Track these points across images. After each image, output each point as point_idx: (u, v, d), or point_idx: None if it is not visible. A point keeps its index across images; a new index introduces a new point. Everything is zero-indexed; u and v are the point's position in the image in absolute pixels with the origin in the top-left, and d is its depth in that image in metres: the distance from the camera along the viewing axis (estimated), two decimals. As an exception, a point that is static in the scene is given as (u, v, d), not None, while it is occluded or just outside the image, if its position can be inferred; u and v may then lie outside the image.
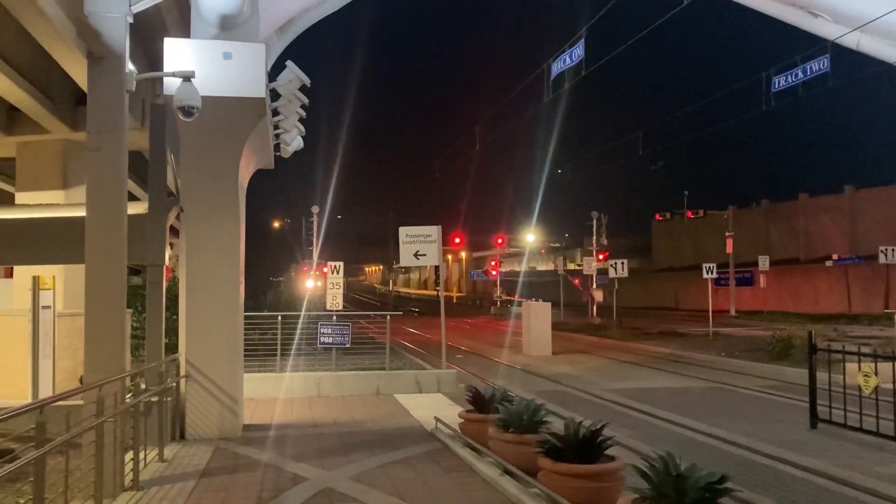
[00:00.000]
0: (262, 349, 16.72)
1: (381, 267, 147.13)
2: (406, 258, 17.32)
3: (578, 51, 15.66)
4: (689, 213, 60.77)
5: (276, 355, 16.11)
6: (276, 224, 71.04)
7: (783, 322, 34.10)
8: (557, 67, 16.33)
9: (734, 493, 5.71)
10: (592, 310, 40.99)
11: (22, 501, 6.53)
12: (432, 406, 13.58)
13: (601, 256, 41.85)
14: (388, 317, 18.35)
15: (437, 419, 11.30)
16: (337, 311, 23.49)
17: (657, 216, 70.76)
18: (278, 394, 15.05)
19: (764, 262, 44.98)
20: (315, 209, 38.29)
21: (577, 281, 50.63)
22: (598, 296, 41.21)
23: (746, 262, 49.81)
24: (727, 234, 49.92)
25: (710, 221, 59.68)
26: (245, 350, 12.09)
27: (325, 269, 31.08)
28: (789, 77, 16.09)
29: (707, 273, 30.87)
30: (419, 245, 17.09)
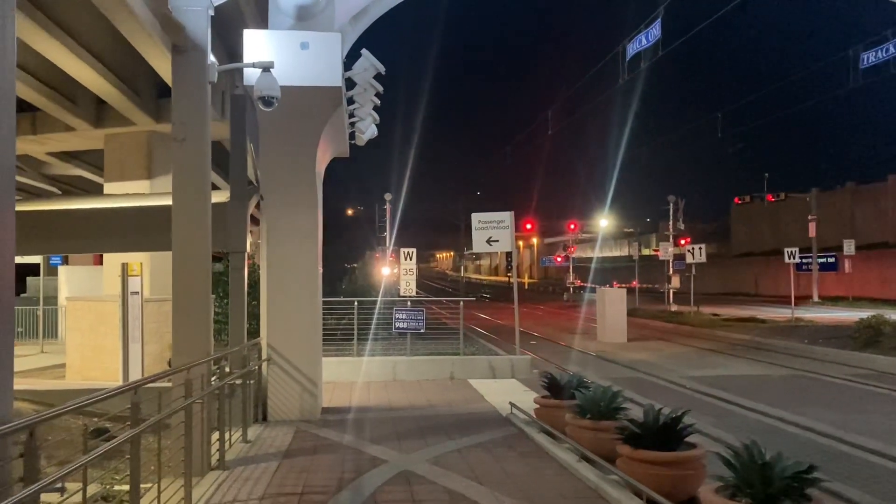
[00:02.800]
0: (338, 334, 17.02)
1: (451, 253, 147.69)
2: (479, 244, 17.33)
3: (655, 31, 15.30)
4: (770, 197, 58.85)
5: (352, 340, 16.38)
6: (351, 211, 72.13)
7: (870, 308, 32.73)
8: (633, 48, 16.01)
9: (822, 484, 5.54)
10: (669, 296, 40.15)
11: (118, 477, 6.85)
12: (507, 391, 13.59)
13: (683, 241, 40.86)
14: (462, 303, 18.45)
15: (512, 404, 11.32)
16: (410, 297, 23.74)
17: (736, 200, 68.82)
18: (355, 378, 15.32)
19: (849, 247, 43.25)
20: (388, 196, 38.65)
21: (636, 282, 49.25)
22: (675, 282, 40.34)
23: (830, 247, 47.96)
24: (810, 217, 48.14)
25: (792, 204, 57.64)
26: (323, 335, 12.32)
27: (399, 256, 31.37)
28: (879, 52, 15.39)
29: (789, 258, 29.89)
30: (492, 231, 17.06)
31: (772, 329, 27.86)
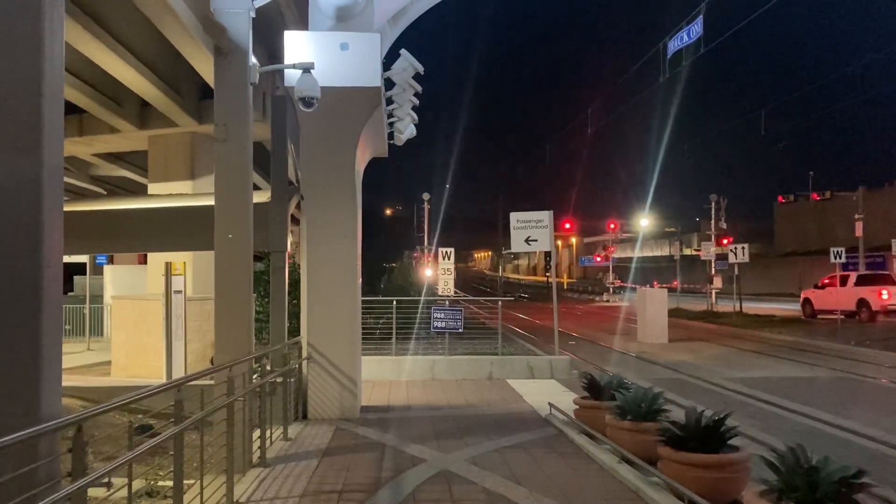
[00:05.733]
0: (377, 333, 17.10)
1: (489, 253, 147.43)
2: (517, 244, 17.27)
3: (697, 27, 15.06)
4: (815, 195, 57.71)
5: (391, 339, 16.45)
6: (389, 211, 72.54)
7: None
8: (675, 45, 15.77)
9: (871, 489, 5.40)
10: (712, 296, 39.61)
11: (162, 473, 6.97)
12: (546, 392, 13.52)
13: (725, 241, 40.22)
14: (500, 302, 18.43)
15: (551, 405, 11.25)
16: (448, 296, 23.77)
17: (780, 198, 67.66)
18: (394, 376, 15.38)
19: (899, 246, 42.17)
20: (426, 196, 38.79)
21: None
22: (717, 282, 39.78)
23: (878, 247, 46.81)
24: (856, 216, 47.07)
25: (838, 203, 56.39)
26: (362, 334, 12.38)
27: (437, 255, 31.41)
28: (930, 47, 14.93)
29: (834, 258, 29.25)
30: (530, 230, 16.99)
31: (817, 330, 27.30)
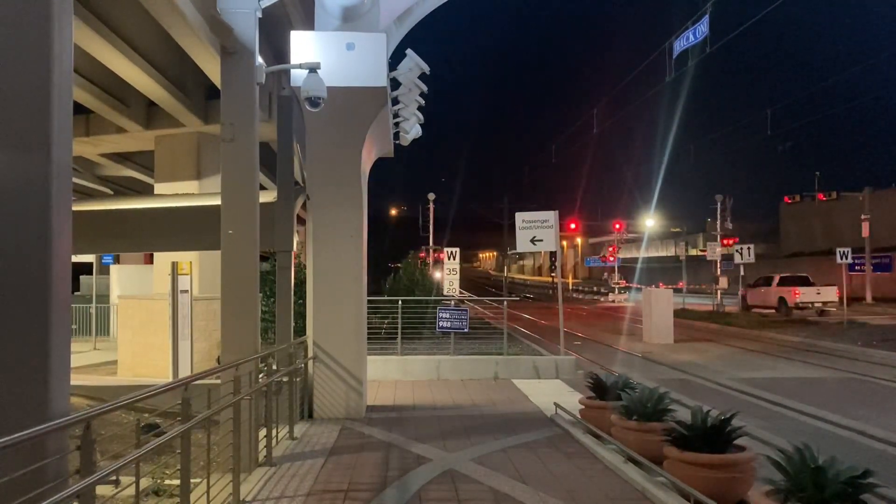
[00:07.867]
0: (383, 333, 17.11)
1: (495, 253, 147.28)
2: (523, 244, 17.25)
3: (703, 27, 15.02)
4: (821, 196, 57.49)
5: (396, 339, 16.46)
6: (395, 211, 72.56)
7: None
8: (680, 45, 15.74)
9: (878, 490, 5.39)
10: (718, 296, 39.53)
11: (169, 472, 6.99)
12: (551, 392, 13.52)
13: (728, 241, 40.16)
14: (505, 303, 18.43)
15: (556, 405, 11.26)
16: (454, 296, 23.78)
17: (786, 199, 67.43)
18: (399, 376, 15.40)
19: (905, 247, 42.08)
20: (431, 196, 38.81)
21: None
22: (723, 282, 39.72)
23: (885, 247, 46.68)
24: (863, 216, 46.94)
25: (844, 204, 56.17)
26: (367, 333, 12.40)
27: (442, 256, 31.43)
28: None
29: (841, 258, 29.18)
30: (536, 230, 16.97)
31: (823, 331, 27.22)
